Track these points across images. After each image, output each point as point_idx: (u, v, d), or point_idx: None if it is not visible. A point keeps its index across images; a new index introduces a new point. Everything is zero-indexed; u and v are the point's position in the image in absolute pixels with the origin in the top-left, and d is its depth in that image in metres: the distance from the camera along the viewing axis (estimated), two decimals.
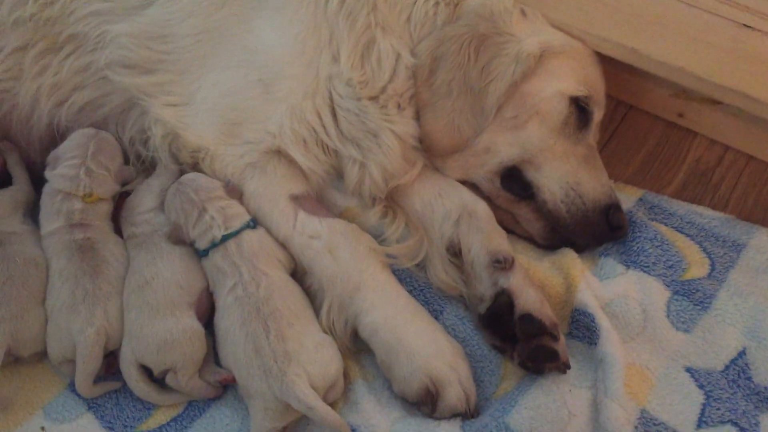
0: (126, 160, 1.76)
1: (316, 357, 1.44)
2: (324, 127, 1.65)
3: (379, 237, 1.64)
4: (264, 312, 1.45)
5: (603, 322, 1.49)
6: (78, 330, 1.48)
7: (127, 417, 1.49)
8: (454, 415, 1.44)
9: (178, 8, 1.68)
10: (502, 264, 1.54)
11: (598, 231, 1.65)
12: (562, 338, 1.49)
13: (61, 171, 1.66)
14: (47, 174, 1.68)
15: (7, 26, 1.68)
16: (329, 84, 1.65)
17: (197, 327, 1.51)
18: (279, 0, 1.67)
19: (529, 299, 1.50)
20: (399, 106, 1.66)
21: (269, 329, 1.43)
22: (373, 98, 1.64)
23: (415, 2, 1.69)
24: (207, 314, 1.56)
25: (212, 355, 1.54)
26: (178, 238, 1.60)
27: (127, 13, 1.69)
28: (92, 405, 1.51)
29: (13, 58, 1.71)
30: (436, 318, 1.57)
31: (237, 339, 1.46)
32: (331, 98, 1.66)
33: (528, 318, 1.48)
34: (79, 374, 1.47)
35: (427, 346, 1.47)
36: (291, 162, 1.65)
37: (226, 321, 1.50)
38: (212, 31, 1.68)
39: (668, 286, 1.59)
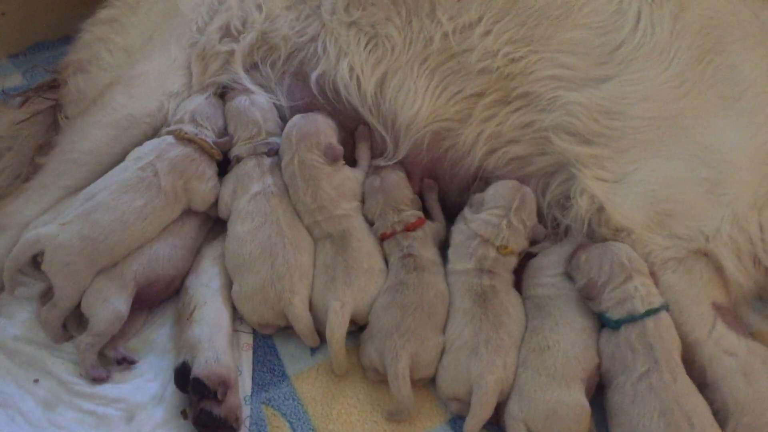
0: (539, 219, 1.79)
1: None
2: (763, 242, 1.57)
3: None
4: (686, 409, 1.42)
5: None
6: (478, 374, 1.51)
7: None
8: None
9: (636, 89, 1.70)
10: None
11: None
12: None
13: (485, 217, 1.73)
14: (467, 213, 1.76)
15: (473, 73, 1.80)
16: None
17: (586, 405, 1.48)
18: (750, 104, 1.62)
19: None
20: None
21: (694, 426, 1.40)
22: None
23: None
24: (592, 391, 1.53)
25: None
26: (588, 295, 1.59)
27: (584, 83, 1.74)
28: None
29: (466, 102, 1.82)
30: None
31: (652, 428, 1.42)
32: None
33: None
34: (471, 418, 1.50)
35: None
36: (717, 268, 1.58)
37: (637, 407, 1.45)
38: (666, 118, 1.67)
39: None
